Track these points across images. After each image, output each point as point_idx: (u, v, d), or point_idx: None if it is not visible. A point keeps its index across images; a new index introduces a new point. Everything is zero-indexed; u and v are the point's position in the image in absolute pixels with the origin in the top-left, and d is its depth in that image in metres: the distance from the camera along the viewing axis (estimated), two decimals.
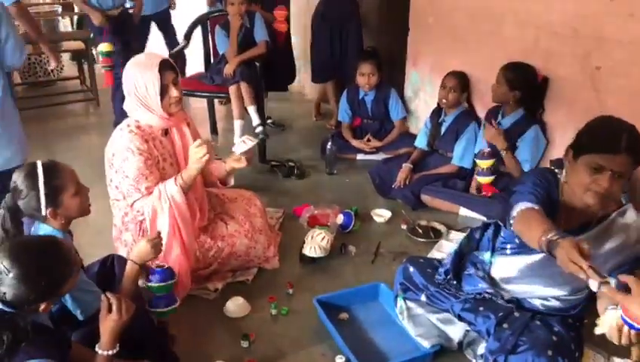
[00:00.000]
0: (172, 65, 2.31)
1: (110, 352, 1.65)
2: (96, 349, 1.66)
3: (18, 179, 1.79)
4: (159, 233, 2.05)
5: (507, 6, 3.07)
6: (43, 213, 1.79)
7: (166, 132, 2.41)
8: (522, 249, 1.93)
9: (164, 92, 2.27)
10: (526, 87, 2.93)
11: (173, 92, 2.29)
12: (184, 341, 2.14)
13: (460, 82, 3.34)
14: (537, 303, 1.97)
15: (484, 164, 2.98)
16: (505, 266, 2.01)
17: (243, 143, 2.50)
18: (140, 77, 2.24)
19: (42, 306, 1.50)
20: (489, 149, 2.98)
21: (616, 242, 1.78)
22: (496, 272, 2.04)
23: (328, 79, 4.60)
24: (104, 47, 3.98)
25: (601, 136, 1.71)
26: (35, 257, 1.47)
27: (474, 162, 3.22)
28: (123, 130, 2.31)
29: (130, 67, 2.28)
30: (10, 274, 1.41)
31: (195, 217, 2.45)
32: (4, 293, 1.41)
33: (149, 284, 2.00)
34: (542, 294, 1.96)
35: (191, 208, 2.39)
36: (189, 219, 2.36)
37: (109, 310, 1.65)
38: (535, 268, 1.93)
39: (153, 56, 2.30)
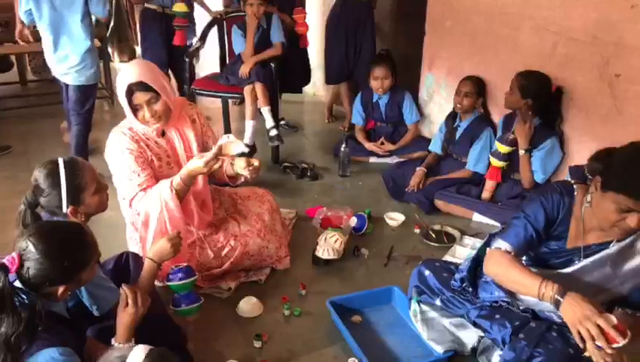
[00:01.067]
0: (146, 87, 2.20)
1: (126, 345, 1.66)
2: (112, 342, 1.67)
3: (40, 176, 1.80)
4: (179, 232, 2.06)
5: (525, 11, 3.06)
6: (64, 210, 1.81)
7: (163, 133, 2.41)
8: (536, 262, 1.93)
9: (137, 112, 2.26)
10: (539, 96, 2.91)
11: (146, 113, 2.25)
12: (197, 339, 2.14)
13: (476, 87, 3.33)
14: (555, 317, 1.95)
15: (503, 148, 3.00)
16: None
17: (230, 141, 2.30)
18: (118, 91, 2.25)
19: (60, 290, 1.50)
20: (513, 136, 2.97)
21: (636, 263, 1.77)
22: None
23: (341, 81, 4.60)
24: (179, 7, 4.13)
25: (634, 181, 1.60)
26: (61, 237, 1.52)
27: (488, 166, 3.21)
28: (114, 132, 2.33)
29: (119, 74, 2.28)
30: (37, 250, 1.44)
31: (193, 218, 2.46)
32: (28, 268, 1.43)
33: (171, 284, 2.02)
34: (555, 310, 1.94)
35: (186, 210, 2.39)
36: (182, 224, 2.33)
37: (126, 303, 1.66)
38: (562, 277, 1.92)
39: (131, 73, 2.21)
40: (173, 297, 2.09)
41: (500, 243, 1.83)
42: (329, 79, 4.64)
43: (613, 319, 1.53)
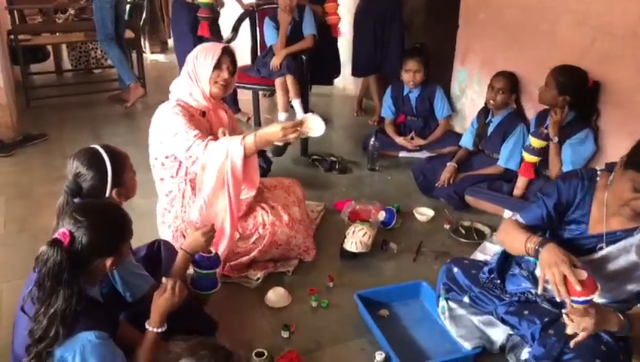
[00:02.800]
0: (234, 58, 2.46)
1: (159, 330, 1.70)
2: (146, 325, 1.71)
3: (82, 163, 1.84)
4: (212, 225, 2.10)
5: (564, 5, 2.99)
6: (107, 194, 1.85)
7: (204, 114, 2.48)
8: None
9: (217, 68, 2.39)
10: (576, 92, 2.85)
11: (224, 72, 2.41)
12: (225, 327, 2.16)
13: (509, 83, 3.27)
14: None
15: (537, 142, 2.94)
16: None
17: (314, 118, 2.34)
18: (204, 50, 2.41)
19: (108, 263, 1.56)
20: (547, 131, 2.92)
21: None
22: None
23: (368, 74, 4.59)
24: None
25: None
26: (102, 210, 1.62)
27: (520, 163, 3.17)
28: (165, 104, 2.43)
29: (199, 45, 2.47)
30: (85, 223, 1.50)
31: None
32: (80, 240, 1.49)
33: (199, 271, 2.07)
34: None
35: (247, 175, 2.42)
36: (239, 185, 2.36)
37: (164, 290, 1.71)
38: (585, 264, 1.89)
39: (222, 44, 2.49)
40: (192, 278, 2.13)
41: (517, 216, 1.92)
42: (355, 72, 4.62)
43: (583, 274, 1.58)
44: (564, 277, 1.59)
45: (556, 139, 2.89)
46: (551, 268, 1.62)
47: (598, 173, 1.84)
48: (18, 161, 3.81)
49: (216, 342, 1.36)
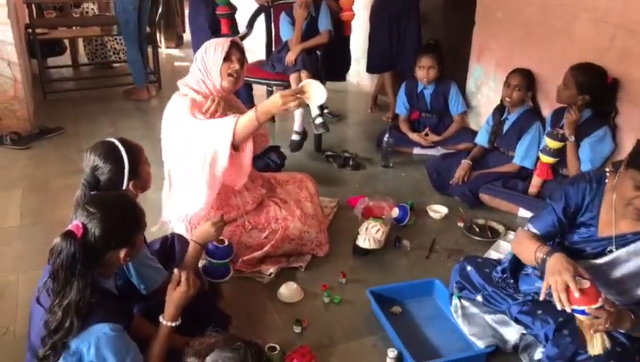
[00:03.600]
0: (243, 50, 2.45)
1: (173, 324, 1.72)
2: (160, 319, 1.72)
3: (98, 156, 1.85)
4: (222, 216, 2.11)
5: (582, 2, 2.95)
6: (124, 186, 1.86)
7: None
8: (572, 254, 1.88)
9: (227, 61, 2.38)
10: (596, 90, 2.82)
11: (235, 64, 2.40)
12: (238, 321, 2.17)
13: (525, 80, 3.24)
14: None
15: (553, 143, 2.91)
16: None
17: (314, 83, 2.26)
18: (213, 44, 2.41)
19: (122, 254, 1.56)
20: (563, 131, 2.89)
21: None
22: None
23: (383, 70, 4.56)
24: None
25: None
26: (114, 201, 1.64)
27: (535, 162, 3.14)
28: (173, 98, 2.45)
29: (209, 41, 2.46)
30: (97, 214, 1.51)
31: (243, 194, 2.55)
32: (93, 232, 1.50)
33: (213, 261, 2.10)
34: None
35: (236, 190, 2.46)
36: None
37: (178, 283, 1.72)
38: (590, 274, 1.87)
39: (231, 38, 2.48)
40: (205, 265, 2.15)
41: (529, 226, 1.94)
42: (371, 68, 4.60)
43: (586, 283, 1.58)
44: (567, 287, 1.58)
45: (572, 138, 2.86)
46: (554, 276, 1.62)
47: (607, 174, 1.83)
48: (34, 154, 3.85)
49: (252, 338, 1.35)
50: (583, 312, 1.58)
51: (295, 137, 3.78)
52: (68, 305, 1.46)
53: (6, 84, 4.02)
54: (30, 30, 4.91)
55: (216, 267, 2.13)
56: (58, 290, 1.48)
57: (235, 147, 2.32)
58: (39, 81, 5.04)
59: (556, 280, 1.60)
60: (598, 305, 1.56)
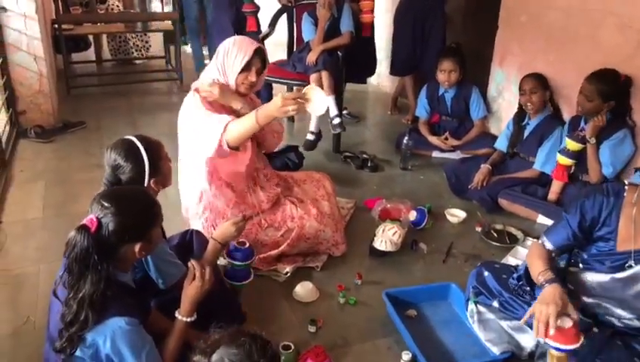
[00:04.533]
0: (265, 58, 2.43)
1: (189, 319, 1.73)
2: (176, 314, 1.74)
3: (119, 155, 1.87)
4: (244, 216, 2.13)
5: (608, 8, 2.92)
6: (145, 183, 1.88)
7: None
8: (592, 266, 1.86)
9: (245, 70, 2.37)
10: (618, 94, 2.79)
11: (252, 76, 2.39)
12: (253, 319, 2.18)
13: (539, 82, 3.23)
14: (615, 321, 1.88)
15: (573, 145, 2.88)
16: (577, 280, 1.93)
17: (315, 89, 2.28)
18: (236, 47, 2.37)
19: (137, 248, 1.57)
20: (584, 133, 2.85)
21: None
22: (571, 284, 1.96)
23: (407, 73, 4.55)
24: None
25: None
26: (129, 195, 1.65)
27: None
28: (187, 97, 2.45)
29: (229, 39, 2.43)
30: (111, 208, 1.52)
31: (257, 194, 2.57)
32: (107, 226, 1.51)
33: (234, 262, 2.11)
34: (614, 313, 1.88)
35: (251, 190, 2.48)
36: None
37: (193, 278, 1.73)
38: (607, 288, 1.86)
39: (254, 42, 2.43)
40: (226, 269, 2.17)
41: (543, 239, 1.94)
42: (394, 70, 4.59)
43: (568, 322, 1.64)
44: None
45: (593, 141, 2.83)
46: (541, 305, 1.67)
47: (626, 187, 1.79)
48: (58, 148, 3.92)
49: (256, 332, 1.34)
50: (557, 348, 1.64)
51: (310, 137, 3.80)
52: (82, 299, 1.47)
53: (32, 78, 4.10)
54: (56, 26, 4.99)
55: (237, 269, 2.14)
56: (73, 283, 1.50)
57: (235, 147, 2.34)
58: (63, 76, 5.13)
59: (541, 310, 1.66)
60: (574, 346, 1.62)
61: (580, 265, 1.92)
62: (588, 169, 2.92)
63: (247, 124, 2.27)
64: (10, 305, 2.29)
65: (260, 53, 2.39)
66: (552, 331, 1.62)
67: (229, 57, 2.38)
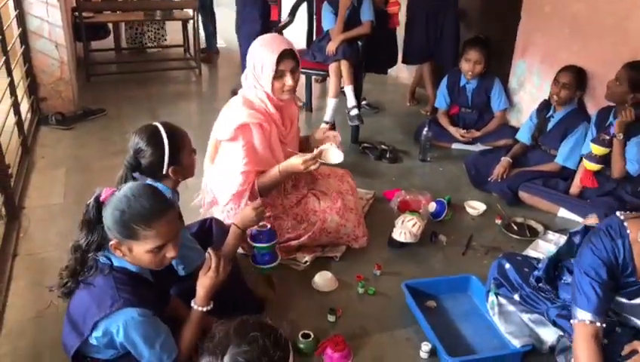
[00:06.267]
0: (294, 55, 2.32)
1: (205, 309, 1.73)
2: (192, 304, 1.74)
3: (142, 140, 1.88)
4: (262, 200, 2.12)
5: None
6: (164, 171, 1.89)
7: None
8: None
9: (279, 77, 2.31)
10: None
11: (288, 80, 2.32)
12: (272, 306, 2.20)
13: (576, 79, 3.15)
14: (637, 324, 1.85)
15: (598, 150, 2.83)
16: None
17: (332, 149, 2.36)
18: (260, 58, 2.30)
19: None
20: (609, 137, 2.80)
21: None
22: None
23: (419, 62, 4.52)
24: None
25: None
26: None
27: (579, 163, 3.07)
28: (234, 103, 2.41)
29: (255, 45, 2.35)
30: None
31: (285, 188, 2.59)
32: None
33: (257, 245, 2.13)
34: (635, 323, 1.85)
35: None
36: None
37: (209, 268, 1.72)
38: (625, 308, 1.83)
39: (279, 42, 2.33)
40: (253, 253, 2.20)
41: (582, 314, 1.71)
42: (406, 59, 4.55)
43: None
44: None
45: (621, 136, 2.78)
46: None
47: (625, 224, 1.72)
48: (78, 135, 3.95)
49: (260, 319, 1.29)
50: None
51: (323, 127, 3.79)
52: (79, 246, 1.58)
53: (53, 65, 4.14)
54: (76, 13, 5.02)
55: (262, 253, 2.17)
56: (78, 236, 1.62)
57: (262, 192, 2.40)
58: (83, 63, 5.16)
59: None
60: None
61: None
62: (611, 164, 2.87)
63: (272, 178, 2.37)
64: (34, 289, 2.32)
65: (286, 54, 2.28)
66: None
67: (257, 70, 2.33)
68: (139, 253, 1.57)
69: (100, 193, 1.59)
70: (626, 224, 1.72)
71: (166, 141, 1.87)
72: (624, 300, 1.80)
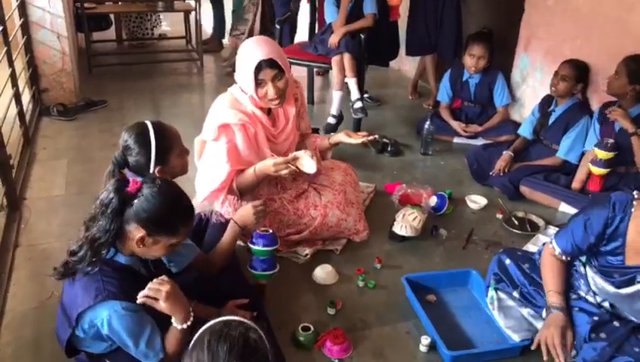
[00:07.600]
0: (275, 64, 2.21)
1: (185, 326, 1.55)
2: (174, 324, 1.56)
3: (130, 137, 1.89)
4: (265, 201, 2.10)
5: None
6: (151, 170, 1.88)
7: (269, 111, 2.43)
8: (603, 274, 1.85)
9: (260, 86, 2.25)
10: None
11: (270, 90, 2.25)
12: (273, 299, 2.20)
13: (576, 72, 3.13)
14: (632, 318, 1.86)
15: (603, 154, 2.80)
16: (596, 279, 1.91)
17: (306, 157, 2.28)
18: (242, 64, 2.26)
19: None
20: (613, 141, 2.79)
21: None
22: (590, 283, 1.95)
23: (421, 54, 4.51)
24: None
25: None
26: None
27: (580, 157, 3.06)
28: (221, 100, 2.38)
29: (242, 48, 2.29)
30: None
31: (283, 183, 2.57)
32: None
33: (253, 247, 2.05)
34: (626, 316, 1.87)
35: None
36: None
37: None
38: (614, 298, 1.85)
39: (261, 49, 2.21)
40: (251, 258, 2.11)
41: (554, 243, 1.96)
42: (409, 50, 4.54)
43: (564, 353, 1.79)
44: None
45: (633, 130, 2.74)
46: (545, 333, 1.84)
47: (634, 202, 1.73)
48: (80, 126, 3.94)
49: (236, 316, 1.29)
50: None
51: (331, 120, 3.79)
52: (87, 238, 1.54)
53: (55, 56, 4.13)
54: (78, 4, 5.00)
55: (261, 259, 2.07)
56: (87, 222, 1.57)
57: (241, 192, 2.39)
58: (85, 54, 5.15)
59: (548, 334, 1.83)
60: None
61: (595, 269, 1.90)
62: (635, 159, 2.83)
63: (248, 178, 2.34)
64: (36, 280, 2.33)
65: (266, 64, 2.19)
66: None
67: (239, 75, 2.30)
68: (162, 246, 1.58)
69: (121, 182, 1.55)
70: (635, 203, 1.74)
71: (153, 141, 1.87)
72: (611, 288, 1.81)
